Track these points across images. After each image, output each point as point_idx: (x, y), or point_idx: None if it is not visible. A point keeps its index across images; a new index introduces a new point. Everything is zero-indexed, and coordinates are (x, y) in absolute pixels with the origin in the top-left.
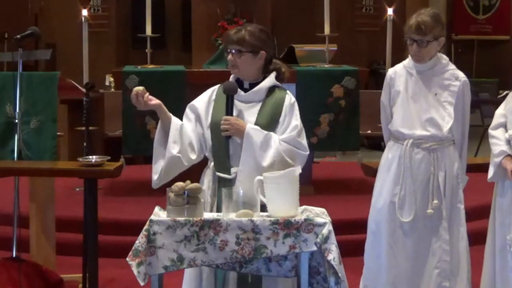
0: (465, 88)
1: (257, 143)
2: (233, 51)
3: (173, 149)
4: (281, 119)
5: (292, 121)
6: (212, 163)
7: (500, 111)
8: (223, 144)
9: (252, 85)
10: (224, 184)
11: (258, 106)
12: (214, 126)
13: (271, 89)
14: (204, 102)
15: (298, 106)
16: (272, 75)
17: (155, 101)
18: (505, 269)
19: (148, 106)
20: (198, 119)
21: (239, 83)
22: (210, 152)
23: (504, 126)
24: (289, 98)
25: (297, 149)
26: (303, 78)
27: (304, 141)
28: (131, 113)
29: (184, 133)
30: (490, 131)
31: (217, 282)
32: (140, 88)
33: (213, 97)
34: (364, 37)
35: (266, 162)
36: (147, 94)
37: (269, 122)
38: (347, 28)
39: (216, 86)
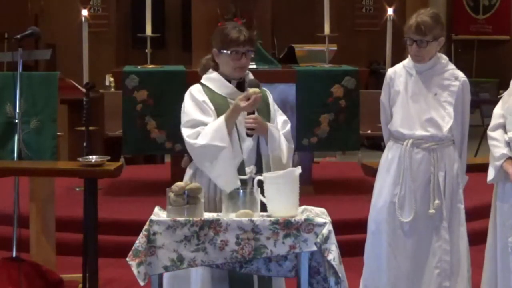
0: (465, 88)
1: (278, 140)
2: (246, 52)
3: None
4: (272, 115)
5: (279, 116)
6: None
7: (498, 111)
8: (235, 144)
9: (239, 83)
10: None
11: None
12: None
13: None
14: (207, 101)
15: (298, 106)
16: (249, 72)
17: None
18: (506, 270)
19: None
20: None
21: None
22: None
23: (503, 127)
24: (269, 95)
25: (290, 143)
26: (303, 78)
27: None
28: (131, 113)
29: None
30: (489, 133)
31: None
32: (258, 90)
33: (207, 98)
34: (364, 37)
35: (284, 158)
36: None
37: (267, 119)
38: (347, 28)
39: (198, 87)
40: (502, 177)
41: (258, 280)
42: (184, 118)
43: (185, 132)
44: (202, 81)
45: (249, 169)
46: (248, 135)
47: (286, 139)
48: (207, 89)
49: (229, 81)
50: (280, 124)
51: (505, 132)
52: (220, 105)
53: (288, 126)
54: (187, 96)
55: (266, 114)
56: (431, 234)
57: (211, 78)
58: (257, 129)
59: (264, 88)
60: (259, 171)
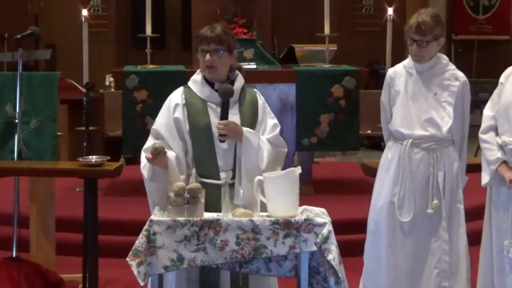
0: (465, 88)
1: (254, 146)
2: (213, 50)
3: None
4: (259, 119)
5: (269, 120)
6: (194, 169)
7: (488, 112)
8: (208, 149)
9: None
10: (210, 190)
11: (235, 107)
12: (197, 132)
13: (242, 89)
14: (178, 111)
15: (298, 106)
16: (239, 74)
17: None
18: (502, 273)
19: (164, 162)
20: (180, 132)
21: (209, 84)
22: (191, 159)
23: (494, 129)
24: (260, 97)
25: (279, 148)
26: (303, 78)
27: (282, 139)
28: (131, 113)
29: (178, 161)
30: (481, 135)
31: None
32: (161, 146)
33: (183, 101)
34: (364, 37)
35: (263, 164)
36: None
37: (251, 123)
38: (347, 28)
39: (180, 90)
40: (497, 181)
41: (230, 283)
42: (154, 123)
43: (147, 141)
44: (189, 82)
45: (224, 174)
46: (220, 140)
47: (274, 143)
48: (188, 91)
49: (213, 84)
50: (269, 128)
51: (497, 134)
52: (198, 108)
53: (277, 131)
54: (167, 100)
55: (250, 117)
56: (430, 234)
57: (195, 80)
58: (229, 135)
59: (255, 90)
60: (235, 176)
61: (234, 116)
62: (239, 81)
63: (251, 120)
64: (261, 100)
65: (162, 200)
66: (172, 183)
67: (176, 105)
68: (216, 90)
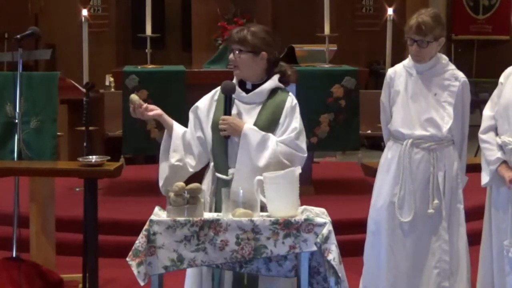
0: (465, 88)
1: (253, 143)
2: (234, 50)
3: (173, 158)
4: (281, 121)
5: (292, 123)
6: (212, 164)
7: (487, 113)
8: (222, 144)
9: (255, 86)
10: (222, 185)
11: (258, 108)
12: (215, 127)
13: (273, 91)
14: (206, 103)
15: (298, 106)
16: (275, 77)
17: (155, 111)
18: (502, 273)
19: (147, 116)
20: (199, 122)
21: (242, 83)
22: (210, 153)
23: (494, 129)
24: (291, 100)
25: (295, 151)
26: (303, 78)
27: (303, 143)
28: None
29: (186, 140)
30: (481, 136)
31: (214, 282)
32: (135, 98)
33: (216, 97)
34: (364, 37)
35: (261, 162)
36: (145, 104)
37: (269, 124)
38: (347, 28)
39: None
40: (497, 181)
41: (233, 280)
42: None
43: None
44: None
45: (232, 170)
46: (224, 136)
47: (288, 145)
48: None
49: (245, 83)
50: (289, 130)
51: (497, 134)
52: (222, 106)
53: (293, 134)
54: None
55: (269, 118)
56: (430, 234)
57: (234, 79)
58: (228, 130)
59: (290, 93)
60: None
61: (250, 116)
62: (270, 83)
63: (269, 121)
64: (289, 103)
65: (164, 173)
66: (174, 152)
67: (202, 103)
68: (247, 90)
